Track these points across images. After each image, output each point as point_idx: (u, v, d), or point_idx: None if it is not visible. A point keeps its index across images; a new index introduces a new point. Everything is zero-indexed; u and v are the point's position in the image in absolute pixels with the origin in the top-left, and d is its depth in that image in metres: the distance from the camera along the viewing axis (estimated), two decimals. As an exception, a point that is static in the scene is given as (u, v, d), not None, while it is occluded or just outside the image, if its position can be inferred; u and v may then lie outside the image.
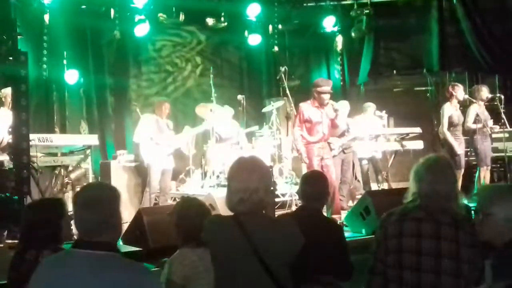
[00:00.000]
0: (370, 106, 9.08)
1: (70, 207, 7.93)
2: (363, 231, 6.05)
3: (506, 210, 2.56)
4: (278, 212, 6.90)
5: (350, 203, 8.27)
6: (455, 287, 2.73)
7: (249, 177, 2.57)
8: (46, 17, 8.48)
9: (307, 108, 7.05)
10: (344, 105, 8.52)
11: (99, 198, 2.32)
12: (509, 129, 8.58)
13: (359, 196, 7.41)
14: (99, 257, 2.21)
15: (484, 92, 8.32)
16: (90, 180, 7.95)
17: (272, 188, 2.77)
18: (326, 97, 7.00)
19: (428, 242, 2.78)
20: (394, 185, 8.90)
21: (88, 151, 7.45)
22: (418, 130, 8.85)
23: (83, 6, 8.99)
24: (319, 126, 7.02)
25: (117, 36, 9.22)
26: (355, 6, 10.76)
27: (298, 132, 7.06)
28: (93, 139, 7.51)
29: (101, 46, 9.84)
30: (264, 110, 10.02)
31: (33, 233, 3.22)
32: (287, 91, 8.76)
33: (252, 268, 2.50)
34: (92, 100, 9.65)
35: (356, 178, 9.30)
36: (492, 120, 8.31)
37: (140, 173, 8.15)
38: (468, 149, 8.62)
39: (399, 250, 2.82)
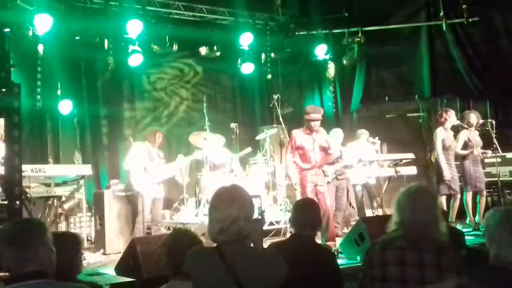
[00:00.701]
0: (363, 133, 9.12)
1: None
2: (358, 258, 6.01)
3: (487, 231, 2.62)
4: (272, 240, 6.87)
5: (345, 230, 8.24)
6: None
7: (229, 206, 2.56)
8: (40, 48, 8.52)
9: (299, 135, 7.08)
10: (337, 133, 8.58)
11: (15, 233, 2.39)
12: (501, 154, 8.62)
13: (354, 223, 7.40)
14: (36, 285, 2.28)
15: (475, 117, 8.37)
16: (84, 210, 7.93)
17: (260, 217, 2.75)
18: (315, 124, 7.01)
19: (412, 270, 2.82)
20: (389, 211, 8.87)
21: (81, 181, 7.42)
22: (411, 155, 8.88)
23: (77, 37, 9.06)
24: (311, 153, 7.02)
25: (111, 66, 9.25)
26: (347, 35, 10.94)
27: (290, 159, 7.07)
28: (87, 169, 7.49)
29: (95, 76, 9.94)
30: (257, 137, 10.06)
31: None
32: (280, 119, 8.81)
33: None
34: (86, 130, 9.70)
35: (350, 204, 9.29)
36: (482, 145, 8.35)
37: (132, 202, 8.08)
38: (460, 174, 8.65)
39: (384, 279, 2.86)
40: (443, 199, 8.10)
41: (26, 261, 2.33)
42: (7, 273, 3.72)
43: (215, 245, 2.65)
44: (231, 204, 2.57)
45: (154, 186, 7.73)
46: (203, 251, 2.77)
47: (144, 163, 7.73)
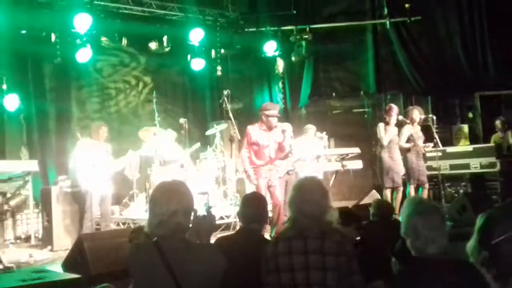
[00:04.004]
0: (311, 128, 9.28)
1: (8, 235, 7.75)
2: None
3: (402, 222, 2.79)
4: (222, 234, 6.95)
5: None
6: None
7: (169, 201, 2.60)
8: (-16, 42, 8.33)
9: (255, 131, 7.07)
10: (286, 127, 8.72)
11: None
12: (441, 148, 8.99)
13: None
14: None
15: (418, 113, 8.71)
16: (31, 207, 7.80)
17: (207, 213, 2.79)
18: (274, 120, 7.05)
19: (297, 257, 2.97)
20: (336, 204, 9.09)
21: (27, 178, 7.30)
22: (357, 150, 9.12)
23: (23, 31, 8.87)
24: (266, 150, 7.05)
25: (58, 61, 9.09)
26: (295, 32, 11.12)
27: (245, 154, 7.07)
28: (33, 165, 7.37)
29: (42, 71, 9.73)
30: (207, 133, 10.12)
31: None
32: (230, 114, 8.89)
33: None
34: (33, 125, 9.49)
35: (299, 198, 9.44)
36: (423, 139, 8.69)
37: (79, 198, 7.93)
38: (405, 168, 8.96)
39: (277, 269, 3.01)
40: (387, 192, 8.42)
41: None
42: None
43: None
44: (170, 199, 2.61)
45: (102, 183, 7.59)
46: (142, 246, 2.79)
47: (91, 160, 7.53)
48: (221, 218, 8.32)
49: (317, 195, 3.11)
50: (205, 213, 2.81)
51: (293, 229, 3.06)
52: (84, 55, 9.26)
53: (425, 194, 8.65)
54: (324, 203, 3.10)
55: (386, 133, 8.37)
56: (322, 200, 3.10)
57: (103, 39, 9.81)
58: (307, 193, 3.09)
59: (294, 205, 3.10)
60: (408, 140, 8.49)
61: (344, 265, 2.93)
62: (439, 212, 2.70)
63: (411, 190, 8.51)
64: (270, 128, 7.05)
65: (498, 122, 10.06)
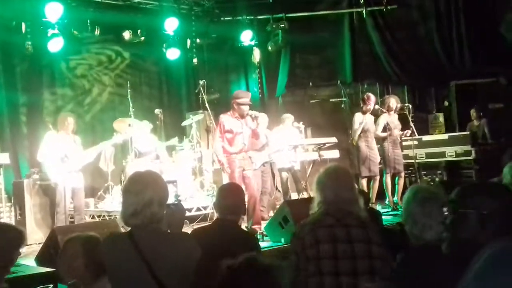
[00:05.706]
0: (288, 117, 9.27)
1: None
2: (282, 240, 6.17)
3: (403, 208, 2.83)
4: (199, 225, 6.90)
5: (271, 213, 8.39)
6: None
7: (143, 190, 2.58)
8: (-48, 32, 8.08)
9: (228, 119, 7.11)
10: (262, 118, 8.68)
11: None
12: (417, 136, 9.04)
13: (279, 206, 7.54)
14: None
15: (394, 102, 8.75)
16: (3, 201, 7.63)
17: (177, 202, 2.76)
18: (246, 108, 7.09)
19: (342, 246, 2.97)
20: (313, 194, 9.11)
21: (-2, 171, 7.14)
22: (334, 140, 9.12)
23: (-8, 21, 8.65)
24: (240, 137, 7.09)
25: (29, 51, 8.87)
26: (271, 21, 11.04)
27: (219, 144, 7.08)
28: (4, 158, 7.21)
29: (12, 61, 9.48)
30: (183, 123, 10.02)
31: None
32: (206, 104, 8.81)
33: (147, 286, 2.50)
34: (4, 118, 9.26)
35: (277, 188, 9.46)
36: (400, 128, 8.73)
37: (51, 192, 7.79)
38: (380, 157, 9.00)
39: (318, 257, 2.98)
40: (364, 181, 8.45)
41: None
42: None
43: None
44: (144, 188, 2.59)
45: (72, 175, 7.39)
46: (116, 237, 2.79)
47: (60, 153, 7.33)
48: (198, 209, 8.27)
49: (351, 181, 3.16)
50: (175, 202, 2.78)
51: (330, 216, 3.04)
52: (55, 44, 9.02)
53: (401, 183, 8.72)
54: (356, 190, 3.17)
55: (361, 123, 8.38)
56: (354, 187, 3.17)
57: (75, 30, 9.56)
58: (342, 179, 3.11)
59: (329, 191, 3.08)
60: (384, 129, 8.52)
61: (386, 254, 3.00)
62: (437, 199, 2.69)
63: (387, 179, 8.56)
64: (242, 116, 7.10)
65: (472, 111, 10.19)
